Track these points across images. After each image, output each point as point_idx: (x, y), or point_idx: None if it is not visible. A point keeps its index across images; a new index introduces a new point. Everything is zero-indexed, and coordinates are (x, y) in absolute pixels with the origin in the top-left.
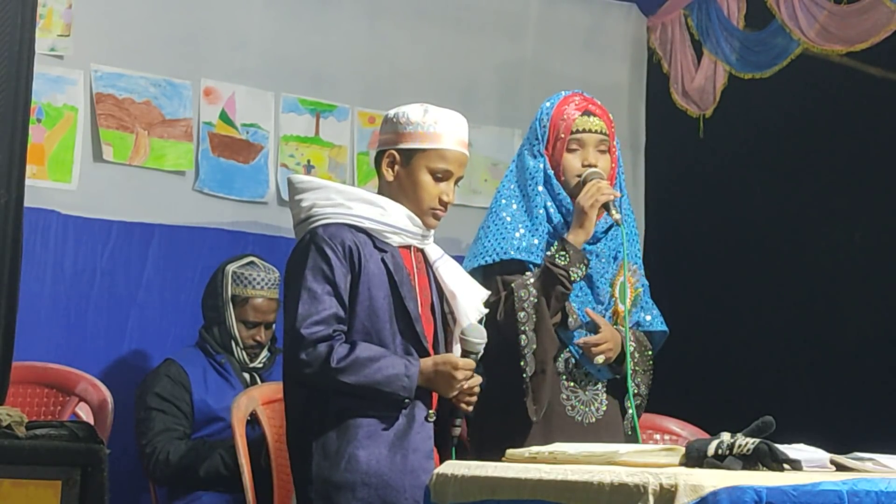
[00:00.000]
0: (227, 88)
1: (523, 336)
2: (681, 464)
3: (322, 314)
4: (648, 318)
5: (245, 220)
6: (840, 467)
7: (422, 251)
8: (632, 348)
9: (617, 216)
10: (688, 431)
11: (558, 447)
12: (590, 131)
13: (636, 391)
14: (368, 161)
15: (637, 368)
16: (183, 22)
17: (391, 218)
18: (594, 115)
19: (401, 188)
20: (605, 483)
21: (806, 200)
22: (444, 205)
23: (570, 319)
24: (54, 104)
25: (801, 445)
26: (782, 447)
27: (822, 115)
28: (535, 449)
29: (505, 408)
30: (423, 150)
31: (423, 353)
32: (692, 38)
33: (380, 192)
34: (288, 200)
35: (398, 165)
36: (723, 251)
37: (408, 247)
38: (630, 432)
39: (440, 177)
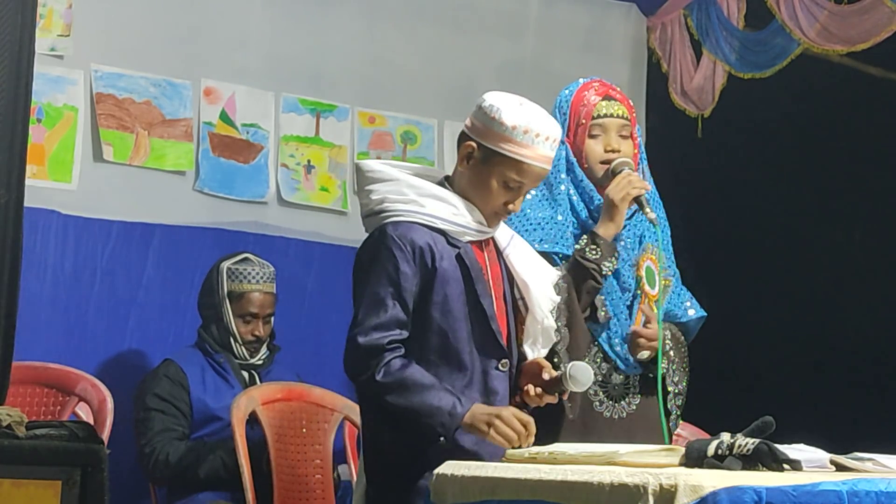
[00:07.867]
0: (227, 88)
1: (556, 332)
2: (681, 464)
3: (382, 318)
4: (689, 305)
5: (245, 220)
6: (840, 467)
7: (492, 238)
8: (668, 346)
9: (652, 215)
10: (688, 431)
11: (558, 447)
12: (612, 116)
13: (677, 389)
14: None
15: (673, 367)
16: (183, 22)
17: (462, 218)
18: (615, 100)
19: (470, 182)
20: (605, 483)
21: (806, 200)
22: (509, 212)
23: (599, 313)
24: (54, 104)
25: (801, 445)
26: (782, 447)
27: (822, 115)
28: (535, 449)
29: (536, 406)
30: (504, 157)
31: (500, 351)
32: (692, 38)
33: (453, 173)
34: (357, 188)
35: (474, 159)
36: (722, 251)
37: (478, 241)
38: (671, 425)
39: (512, 187)
